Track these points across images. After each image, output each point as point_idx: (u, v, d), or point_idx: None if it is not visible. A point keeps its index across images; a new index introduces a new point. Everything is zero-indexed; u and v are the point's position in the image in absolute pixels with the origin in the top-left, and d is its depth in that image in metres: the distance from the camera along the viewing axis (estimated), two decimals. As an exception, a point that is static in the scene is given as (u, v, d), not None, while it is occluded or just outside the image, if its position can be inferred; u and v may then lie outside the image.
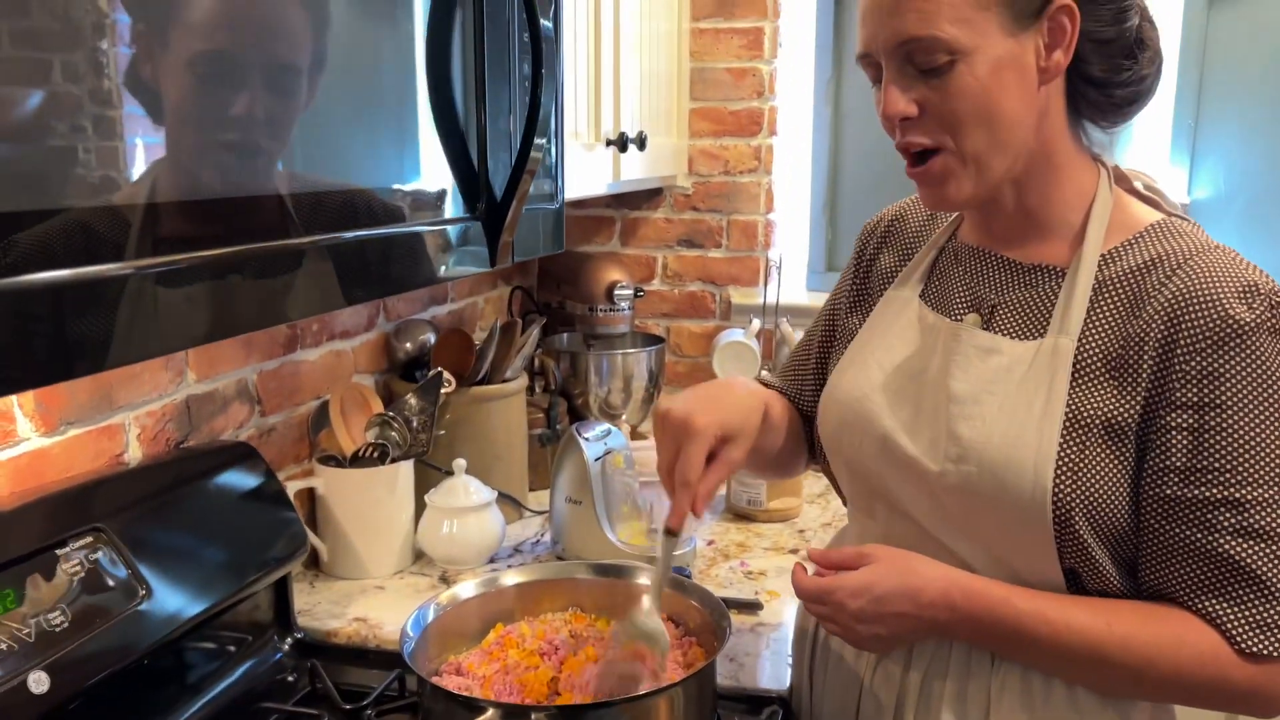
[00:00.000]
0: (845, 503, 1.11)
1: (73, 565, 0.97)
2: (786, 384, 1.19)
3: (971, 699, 0.92)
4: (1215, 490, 0.83)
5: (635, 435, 1.96)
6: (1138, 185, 0.97)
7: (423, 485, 1.50)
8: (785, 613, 1.34)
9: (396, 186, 0.85)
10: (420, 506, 1.49)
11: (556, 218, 1.14)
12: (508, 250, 1.00)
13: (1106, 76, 0.90)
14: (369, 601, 1.38)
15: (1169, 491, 0.84)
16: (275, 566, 1.21)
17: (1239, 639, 0.82)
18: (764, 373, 1.90)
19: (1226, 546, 0.83)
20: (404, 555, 1.48)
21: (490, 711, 0.88)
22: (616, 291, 1.93)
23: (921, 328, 0.99)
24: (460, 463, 1.50)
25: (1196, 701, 0.86)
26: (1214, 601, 0.83)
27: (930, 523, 0.94)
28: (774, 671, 1.20)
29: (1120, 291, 0.89)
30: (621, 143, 1.59)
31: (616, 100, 1.63)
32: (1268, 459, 0.82)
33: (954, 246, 1.03)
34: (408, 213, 0.87)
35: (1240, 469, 0.83)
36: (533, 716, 0.90)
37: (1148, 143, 2.02)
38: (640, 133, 1.64)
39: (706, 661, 0.98)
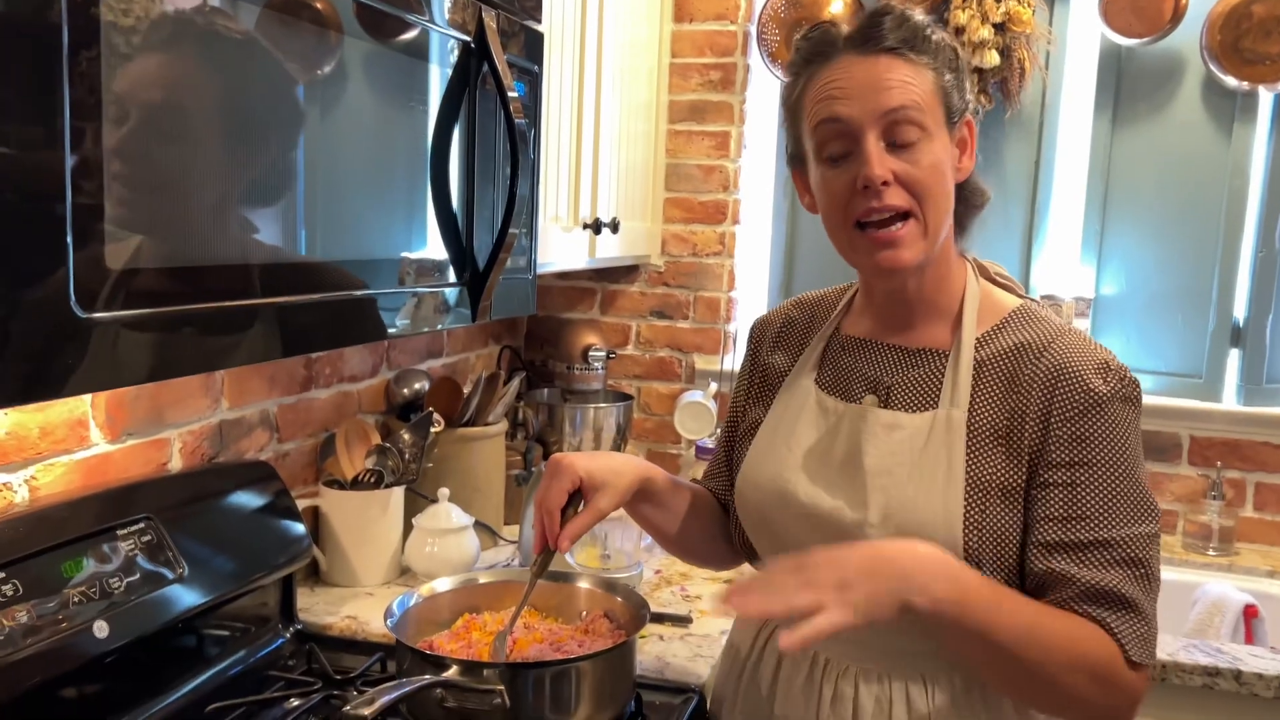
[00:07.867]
0: None
1: (129, 544, 1.22)
2: (708, 481, 1.33)
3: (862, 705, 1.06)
4: (1090, 533, 1.01)
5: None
6: (996, 276, 1.15)
7: (411, 510, 1.75)
8: (712, 626, 1.58)
9: (405, 255, 1.13)
10: (408, 528, 1.74)
11: (529, 286, 1.41)
12: (486, 310, 1.27)
13: (970, 185, 1.10)
14: (359, 604, 1.62)
15: (1052, 536, 1.01)
16: (283, 566, 1.46)
17: (1127, 648, 0.98)
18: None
19: (1105, 578, 0.99)
20: (392, 568, 1.72)
21: (453, 667, 1.13)
22: (591, 353, 2.21)
23: (821, 411, 1.13)
24: (444, 491, 1.75)
25: (1092, 688, 0.98)
26: (1105, 614, 0.99)
27: None
28: (696, 671, 1.43)
29: (998, 370, 1.06)
30: (596, 226, 1.88)
31: (594, 190, 1.92)
32: (1127, 503, 1.01)
33: (840, 339, 1.18)
34: (413, 277, 1.14)
35: (1108, 514, 1.00)
36: (485, 672, 1.14)
37: (1061, 245, 2.31)
38: (614, 218, 1.93)
39: (628, 638, 1.22)
